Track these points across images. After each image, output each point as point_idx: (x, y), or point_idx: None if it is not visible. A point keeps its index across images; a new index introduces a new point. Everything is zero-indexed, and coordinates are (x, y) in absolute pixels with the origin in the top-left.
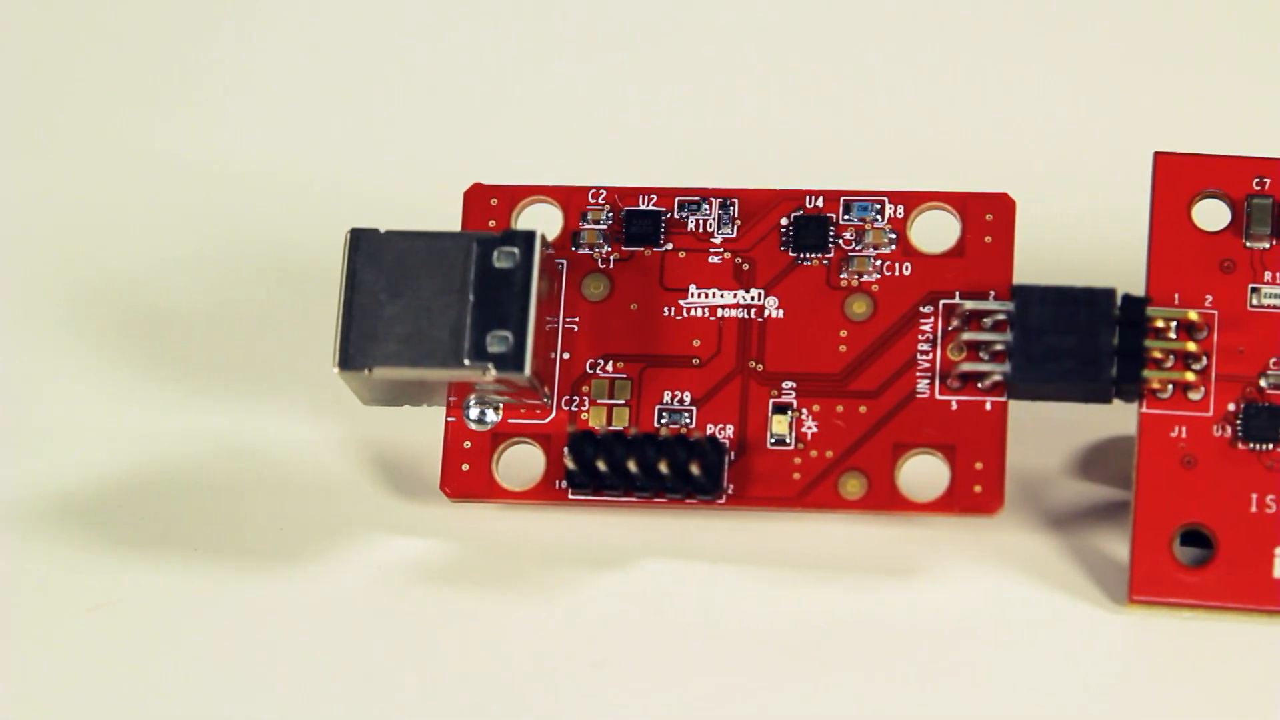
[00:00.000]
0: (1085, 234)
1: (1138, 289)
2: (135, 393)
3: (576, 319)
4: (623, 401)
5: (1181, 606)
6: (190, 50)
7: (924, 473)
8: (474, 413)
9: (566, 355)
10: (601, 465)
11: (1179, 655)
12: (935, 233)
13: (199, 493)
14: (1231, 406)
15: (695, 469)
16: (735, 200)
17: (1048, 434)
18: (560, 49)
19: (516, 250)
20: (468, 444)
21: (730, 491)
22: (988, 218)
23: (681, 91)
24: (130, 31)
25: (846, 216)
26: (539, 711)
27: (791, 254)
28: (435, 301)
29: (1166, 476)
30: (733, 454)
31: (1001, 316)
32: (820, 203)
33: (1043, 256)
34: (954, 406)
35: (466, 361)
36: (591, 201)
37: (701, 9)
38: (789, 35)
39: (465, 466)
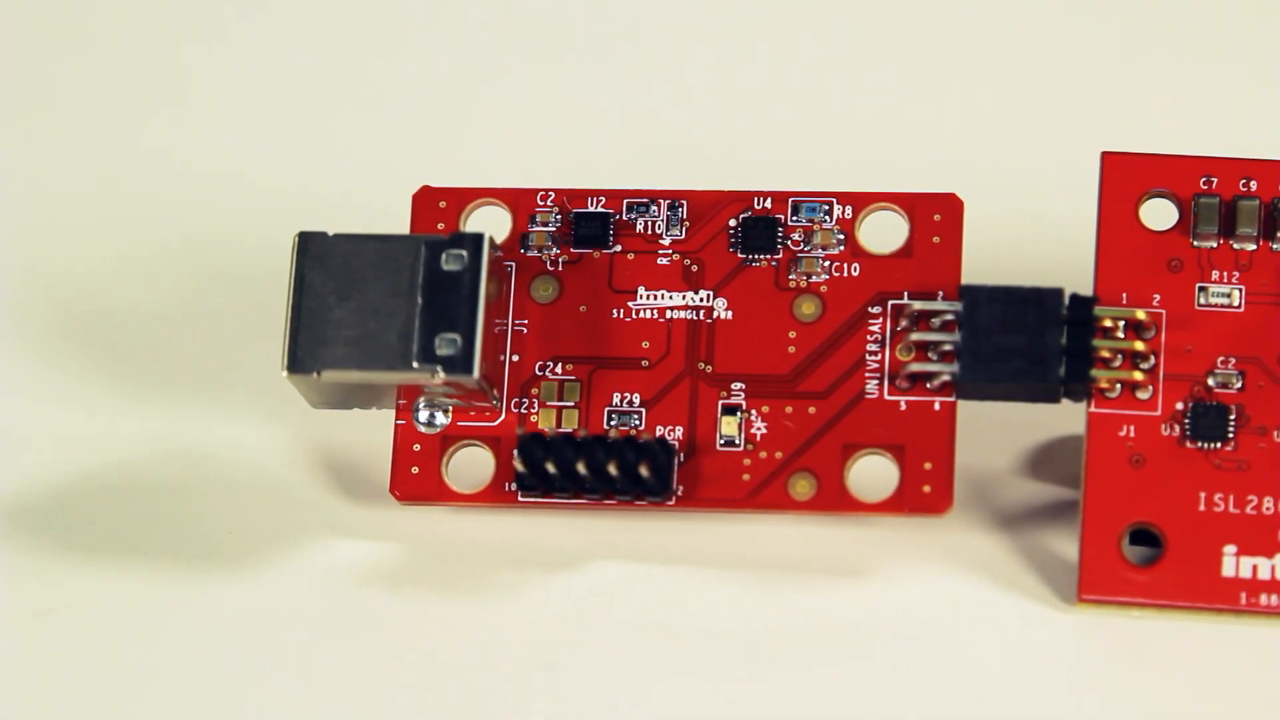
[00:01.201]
0: (1033, 234)
1: (1086, 288)
2: (84, 396)
3: (525, 321)
4: (572, 404)
5: (1131, 605)
6: (138, 52)
7: (873, 473)
8: (423, 415)
9: (516, 358)
10: (551, 467)
11: (1128, 654)
12: (883, 233)
13: (148, 496)
14: (1180, 405)
15: (645, 471)
16: (684, 202)
17: (997, 434)
18: (508, 52)
19: (465, 253)
20: (417, 447)
21: (680, 493)
22: (936, 218)
23: (630, 94)
24: (79, 34)
25: (795, 217)
26: (489, 713)
27: (740, 255)
28: (383, 304)
29: (1115, 476)
30: (682, 455)
31: (950, 317)
32: (768, 204)
33: (991, 257)
34: (903, 407)
35: (415, 364)
36: (540, 204)
37: (650, 12)
38: (736, 37)
39: (415, 469)
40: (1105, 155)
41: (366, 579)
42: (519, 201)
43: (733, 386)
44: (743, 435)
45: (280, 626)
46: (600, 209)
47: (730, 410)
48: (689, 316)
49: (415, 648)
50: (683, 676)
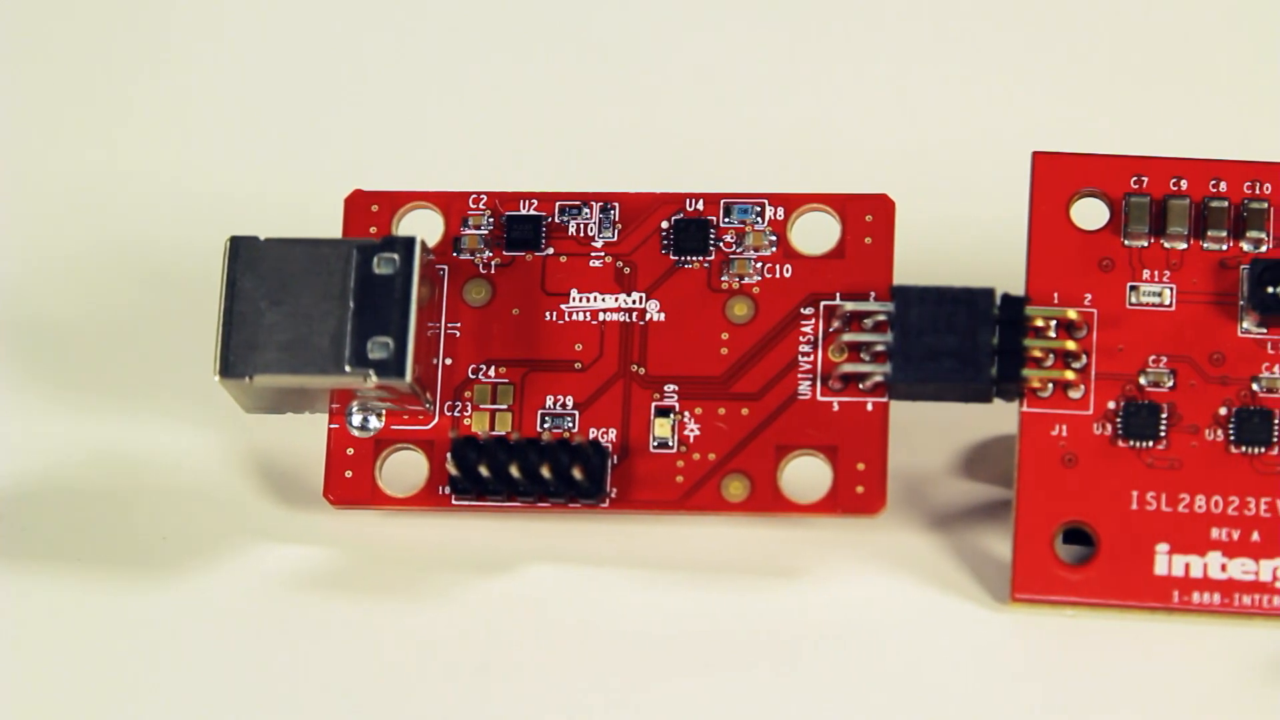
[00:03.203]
0: (965, 234)
1: (1017, 288)
2: (14, 402)
3: (458, 324)
4: (505, 406)
5: (1064, 604)
6: (66, 58)
7: (806, 474)
8: (357, 419)
9: (449, 361)
10: (484, 471)
11: (1062, 653)
12: (815, 234)
13: (80, 502)
14: (1111, 404)
15: (578, 473)
16: (616, 204)
17: (930, 434)
18: (438, 54)
19: (397, 256)
20: (351, 451)
21: (613, 495)
22: (867, 219)
23: (562, 97)
24: (4, 41)
25: (727, 219)
26: (422, 716)
27: (672, 257)
28: (316, 308)
29: (1047, 475)
30: (615, 458)
31: (882, 317)
32: (700, 206)
33: (923, 257)
34: (835, 408)
35: (347, 368)
36: (472, 207)
37: (577, 14)
38: (666, 38)
39: (348, 474)
40: (1036, 155)
41: (301, 584)
42: (451, 205)
43: (666, 389)
44: (676, 437)
45: (214, 632)
46: (532, 212)
47: (663, 412)
48: (621, 319)
49: (350, 651)
50: (617, 678)
